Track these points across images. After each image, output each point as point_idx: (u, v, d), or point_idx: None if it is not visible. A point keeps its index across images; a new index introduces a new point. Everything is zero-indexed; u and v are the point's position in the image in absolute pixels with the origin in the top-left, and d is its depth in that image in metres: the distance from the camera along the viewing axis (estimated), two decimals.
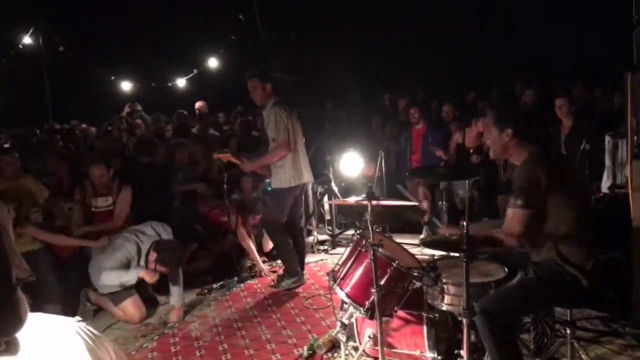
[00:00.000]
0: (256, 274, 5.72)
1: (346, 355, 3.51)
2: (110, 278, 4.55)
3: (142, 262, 4.65)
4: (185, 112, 8.94)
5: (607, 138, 5.04)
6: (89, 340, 1.60)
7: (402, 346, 3.41)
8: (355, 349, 3.54)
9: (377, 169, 6.63)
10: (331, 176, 6.66)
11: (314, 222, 6.86)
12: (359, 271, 3.24)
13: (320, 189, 6.81)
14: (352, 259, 3.29)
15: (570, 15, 10.72)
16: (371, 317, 3.13)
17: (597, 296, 2.83)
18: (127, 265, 4.62)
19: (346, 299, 3.26)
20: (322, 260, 6.13)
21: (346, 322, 3.45)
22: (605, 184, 4.97)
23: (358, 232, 3.45)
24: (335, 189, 6.64)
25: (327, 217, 6.90)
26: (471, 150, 6.50)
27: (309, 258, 5.99)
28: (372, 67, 11.87)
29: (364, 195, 3.16)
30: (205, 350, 4.18)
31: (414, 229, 6.35)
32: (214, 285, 5.44)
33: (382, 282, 3.06)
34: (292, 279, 5.16)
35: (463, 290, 2.71)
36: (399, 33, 11.45)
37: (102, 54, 11.83)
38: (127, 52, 11.83)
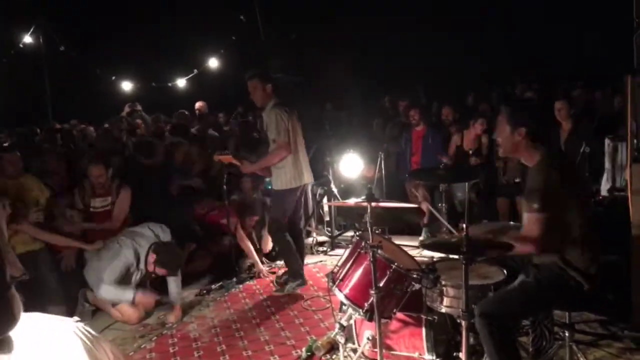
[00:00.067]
0: (255, 275, 5.72)
1: (345, 357, 3.50)
2: (108, 293, 4.48)
3: (141, 266, 4.64)
4: (186, 112, 8.94)
5: (606, 141, 5.04)
6: (86, 341, 1.60)
7: (401, 348, 3.40)
8: (354, 350, 3.53)
9: (377, 171, 6.63)
10: (331, 177, 6.66)
11: (313, 224, 6.85)
12: (358, 273, 3.23)
13: (319, 190, 6.81)
14: (352, 260, 3.28)
15: (570, 16, 10.74)
16: (370, 319, 3.12)
17: (596, 299, 2.81)
18: (126, 274, 4.59)
19: (345, 301, 3.26)
20: (321, 261, 6.13)
21: (345, 323, 3.45)
22: (604, 187, 4.97)
23: (357, 233, 3.45)
24: (335, 190, 6.64)
25: (327, 218, 6.90)
26: (470, 152, 6.50)
27: (308, 259, 5.99)
28: (373, 68, 11.89)
29: (363, 197, 3.15)
30: (203, 351, 4.17)
31: (414, 231, 6.35)
32: (213, 286, 5.44)
33: (381, 284, 3.06)
34: (296, 282, 5.15)
35: (462, 292, 2.70)
36: (399, 33, 11.49)
37: (103, 53, 11.83)
38: (128, 52, 11.83)
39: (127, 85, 12.05)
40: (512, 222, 4.35)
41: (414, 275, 3.11)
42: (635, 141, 3.86)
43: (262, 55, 10.30)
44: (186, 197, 6.03)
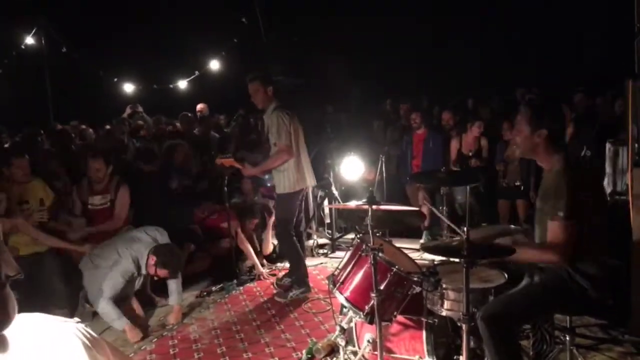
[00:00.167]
0: (255, 277, 5.72)
1: (345, 359, 3.50)
2: (103, 310, 4.41)
3: (142, 271, 4.63)
4: (189, 114, 8.96)
5: (607, 145, 5.04)
6: (87, 342, 1.60)
7: (401, 351, 3.40)
8: (354, 353, 3.53)
9: (378, 173, 6.63)
10: (332, 180, 6.66)
11: (314, 226, 6.87)
12: (359, 275, 3.24)
13: (320, 193, 6.82)
14: (352, 263, 3.29)
15: (571, 20, 10.75)
16: (370, 322, 3.13)
17: (598, 304, 2.80)
18: (127, 284, 4.57)
19: (346, 303, 3.26)
20: (321, 264, 6.13)
21: (345, 326, 3.46)
22: (605, 191, 4.97)
23: (358, 236, 3.45)
24: (336, 192, 6.65)
25: (327, 220, 6.91)
26: (470, 154, 6.52)
27: (309, 262, 5.98)
28: (374, 70, 11.89)
29: (364, 200, 3.15)
30: (203, 353, 4.17)
31: (414, 234, 6.36)
32: (213, 288, 5.45)
33: (382, 287, 3.06)
34: (301, 289, 5.11)
35: (463, 296, 2.70)
36: (401, 36, 11.50)
37: (104, 55, 11.84)
38: (129, 53, 11.84)
39: (128, 87, 12.06)
40: (512, 225, 4.36)
41: (415, 278, 3.12)
42: (636, 145, 3.86)
43: (263, 57, 10.29)
44: (186, 198, 6.04)
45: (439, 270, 3.21)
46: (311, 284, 5.28)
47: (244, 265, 5.92)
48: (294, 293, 5.09)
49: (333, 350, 3.77)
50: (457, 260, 2.87)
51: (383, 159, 6.57)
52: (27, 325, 1.53)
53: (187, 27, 12.04)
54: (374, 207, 3.11)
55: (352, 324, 3.52)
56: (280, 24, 10.27)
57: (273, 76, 5.99)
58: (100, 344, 1.68)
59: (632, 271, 3.70)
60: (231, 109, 10.40)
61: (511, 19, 11.41)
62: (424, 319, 3.28)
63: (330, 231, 6.76)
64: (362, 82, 10.96)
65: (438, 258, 3.75)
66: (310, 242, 6.61)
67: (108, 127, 9.19)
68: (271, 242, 6.19)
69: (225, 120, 10.28)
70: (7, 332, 1.46)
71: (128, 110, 10.00)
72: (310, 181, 5.24)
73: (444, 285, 3.06)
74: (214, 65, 11.83)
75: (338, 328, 3.46)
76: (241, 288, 5.50)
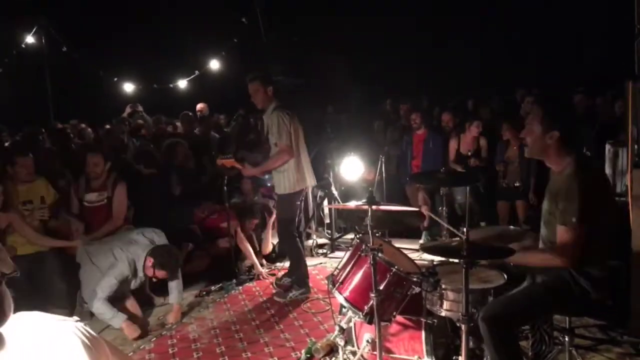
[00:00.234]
0: (255, 277, 5.72)
1: (344, 359, 3.50)
2: (99, 309, 4.40)
3: (139, 274, 4.62)
4: (190, 114, 8.96)
5: (607, 146, 5.04)
6: (86, 341, 1.59)
7: (400, 351, 3.40)
8: (353, 353, 3.53)
9: (378, 174, 6.64)
10: (331, 180, 6.66)
11: (313, 226, 6.86)
12: (358, 275, 3.24)
13: (320, 193, 6.82)
14: (352, 263, 3.29)
15: (571, 21, 10.76)
16: (370, 322, 3.13)
17: (598, 305, 2.80)
18: (121, 285, 4.56)
19: (345, 303, 3.26)
20: (321, 263, 6.13)
21: (344, 326, 3.46)
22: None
23: (358, 236, 3.45)
24: (335, 192, 6.65)
25: (327, 220, 6.91)
26: (469, 154, 6.52)
27: (308, 262, 5.96)
28: (374, 71, 11.89)
29: (364, 200, 3.16)
30: (202, 352, 4.17)
31: (413, 234, 6.36)
32: (213, 288, 5.45)
33: (381, 287, 3.06)
34: (301, 290, 5.10)
35: (462, 296, 2.70)
36: (401, 36, 11.50)
37: (104, 55, 11.84)
38: (129, 53, 11.83)
39: (128, 87, 12.06)
40: (511, 226, 4.36)
41: (414, 279, 3.12)
42: (635, 147, 3.86)
43: (263, 57, 10.30)
44: (186, 199, 6.04)
45: (438, 270, 3.22)
46: (311, 284, 5.28)
47: (243, 264, 5.92)
48: (293, 294, 5.08)
49: (332, 350, 3.76)
50: (456, 260, 2.88)
51: (383, 159, 6.57)
52: (25, 324, 1.53)
53: (187, 27, 12.04)
54: (374, 207, 3.11)
55: (351, 324, 3.52)
56: (280, 24, 10.27)
57: (273, 76, 5.98)
58: (99, 342, 1.67)
59: (631, 272, 3.70)
60: (231, 108, 10.41)
61: (511, 19, 11.41)
62: (423, 319, 3.29)
63: (329, 231, 6.77)
64: (362, 83, 10.96)
65: (437, 258, 3.75)
66: (310, 242, 6.62)
67: (108, 126, 9.20)
68: (271, 242, 6.20)
69: (225, 120, 10.28)
70: (4, 331, 1.46)
71: (128, 110, 9.99)
72: (311, 181, 5.23)
73: (443, 286, 3.06)
74: (214, 65, 11.82)
75: (337, 328, 3.46)
76: (240, 288, 5.50)
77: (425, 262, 4.48)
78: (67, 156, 6.33)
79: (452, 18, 11.89)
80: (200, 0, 12.00)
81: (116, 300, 4.55)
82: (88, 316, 4.79)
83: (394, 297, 3.17)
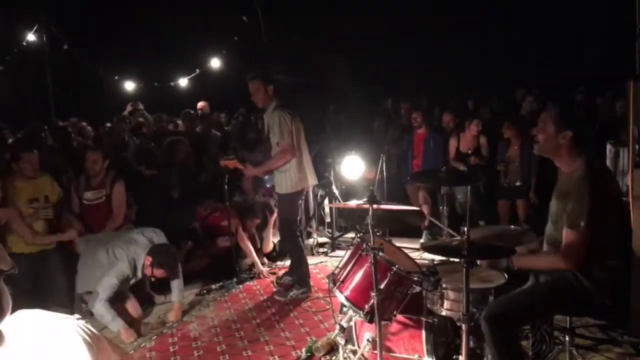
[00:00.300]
0: (255, 276, 5.73)
1: (344, 358, 3.51)
2: (98, 311, 4.39)
3: (138, 273, 4.62)
4: (192, 112, 8.96)
5: (608, 146, 5.04)
6: (87, 338, 1.60)
7: (401, 350, 3.40)
8: (354, 352, 3.54)
9: (378, 173, 6.64)
10: (332, 179, 6.66)
11: (314, 225, 6.87)
12: (359, 274, 3.24)
13: (320, 192, 6.82)
14: (353, 262, 3.29)
15: (571, 21, 10.76)
16: (370, 321, 3.13)
17: (599, 305, 2.80)
18: (121, 285, 4.56)
19: (346, 302, 3.26)
20: (321, 262, 6.13)
21: (345, 325, 3.46)
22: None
23: (358, 235, 3.45)
24: (336, 191, 6.65)
25: (328, 219, 6.91)
26: (469, 152, 6.52)
27: (309, 260, 5.97)
28: (374, 71, 11.90)
29: (365, 199, 3.16)
30: (203, 350, 4.18)
31: (414, 233, 6.36)
32: (213, 286, 5.45)
33: (382, 286, 3.06)
34: (301, 290, 5.09)
35: (463, 295, 2.71)
36: (401, 35, 11.51)
37: (105, 53, 11.84)
38: (130, 51, 11.84)
39: (129, 85, 12.06)
40: (512, 226, 4.36)
41: (415, 278, 3.12)
42: (636, 146, 3.86)
43: (264, 56, 10.30)
44: (187, 199, 6.04)
45: (439, 270, 3.22)
46: (311, 283, 5.27)
47: (244, 263, 5.92)
48: (294, 293, 5.08)
49: (332, 348, 3.77)
50: (457, 260, 2.88)
51: (383, 159, 6.57)
52: (27, 322, 1.53)
53: (188, 25, 12.04)
54: (375, 206, 3.11)
55: (352, 323, 3.52)
56: (280, 23, 10.28)
57: (273, 75, 5.98)
58: (100, 340, 1.68)
59: (632, 273, 3.70)
60: (232, 107, 10.43)
61: (511, 19, 11.42)
62: (423, 319, 3.29)
63: (330, 230, 6.77)
64: (362, 82, 10.98)
65: (438, 258, 3.75)
66: (311, 240, 6.62)
67: (109, 124, 9.20)
68: (272, 241, 6.20)
69: (225, 119, 10.29)
70: (4, 327, 1.46)
71: (129, 108, 10.00)
72: (312, 180, 5.22)
73: (443, 285, 3.07)
74: (215, 63, 11.83)
75: (338, 327, 3.47)
76: (241, 286, 5.50)
77: (426, 262, 4.49)
78: (68, 154, 6.33)
79: (452, 18, 11.90)
80: None
81: (116, 299, 4.55)
82: (88, 315, 4.79)
83: (395, 296, 3.17)
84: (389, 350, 3.42)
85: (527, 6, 11.11)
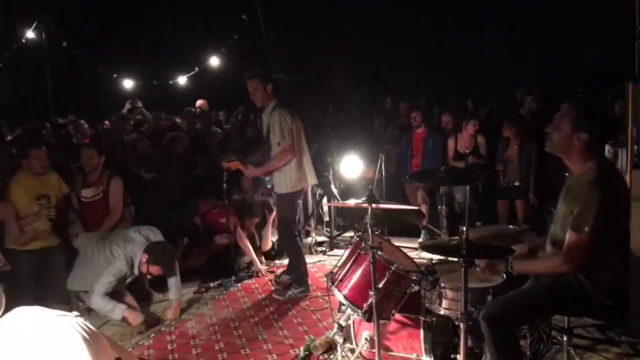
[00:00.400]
0: (254, 274, 5.73)
1: (342, 357, 3.50)
2: (97, 305, 4.40)
3: (135, 271, 4.62)
4: (193, 110, 8.95)
5: (607, 147, 5.04)
6: (86, 335, 1.60)
7: (399, 349, 3.41)
8: (352, 351, 3.54)
9: (377, 172, 6.64)
10: (331, 178, 6.66)
11: (312, 224, 6.87)
12: (358, 273, 3.24)
13: (319, 191, 6.82)
14: (351, 261, 3.29)
15: (571, 22, 10.76)
16: (368, 320, 3.13)
17: (599, 306, 2.79)
18: (118, 283, 4.57)
19: (344, 301, 3.26)
20: (320, 261, 6.14)
21: (343, 323, 3.46)
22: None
23: (357, 234, 3.45)
24: (335, 190, 6.65)
25: (326, 218, 6.91)
26: (467, 152, 6.53)
27: (307, 259, 5.98)
28: (374, 71, 11.90)
29: (364, 198, 3.16)
30: (201, 348, 4.18)
31: (412, 233, 6.36)
32: (212, 284, 5.45)
33: (380, 285, 3.06)
34: (300, 289, 5.09)
35: (461, 295, 2.71)
36: (400, 35, 11.52)
37: (104, 51, 11.84)
38: (129, 49, 11.84)
39: (128, 83, 12.05)
40: (510, 226, 4.37)
41: (413, 277, 3.13)
42: (635, 147, 3.86)
43: (264, 55, 10.31)
44: (187, 195, 6.03)
45: (437, 269, 3.22)
46: (309, 282, 5.27)
47: (242, 261, 5.92)
48: (292, 292, 5.08)
49: (331, 347, 3.76)
50: (455, 259, 2.88)
51: (383, 158, 6.57)
52: (26, 319, 1.53)
53: (187, 24, 12.04)
54: (373, 205, 3.11)
55: (350, 322, 3.52)
56: (280, 23, 10.28)
57: (273, 74, 5.96)
58: (99, 337, 1.68)
59: (631, 273, 3.70)
60: (231, 105, 10.42)
61: (511, 19, 11.42)
62: (422, 318, 3.29)
63: (329, 229, 6.77)
64: (362, 82, 10.98)
65: (436, 257, 3.75)
66: (309, 239, 6.62)
67: (107, 122, 9.19)
68: (270, 239, 6.20)
69: (224, 117, 10.29)
70: (2, 325, 1.46)
71: (127, 106, 9.98)
72: (311, 180, 5.21)
73: (442, 285, 3.07)
74: (214, 61, 11.83)
75: (336, 325, 3.47)
76: (239, 285, 5.50)
77: (424, 261, 4.49)
78: (68, 151, 6.32)
79: (452, 18, 11.90)
80: None
81: (113, 297, 4.54)
82: (86, 313, 4.80)
83: (393, 295, 3.17)
84: (387, 349, 3.42)
85: (527, 6, 11.11)
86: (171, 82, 12.36)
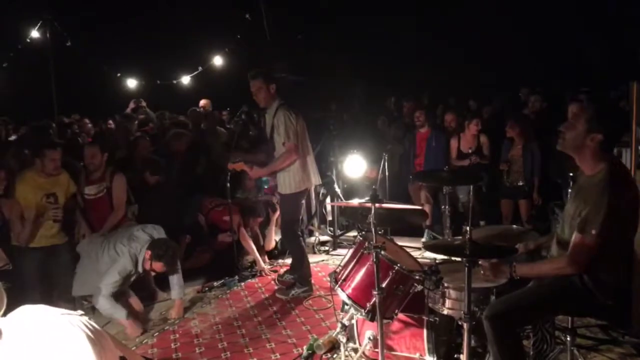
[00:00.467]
0: (257, 273, 5.73)
1: (346, 356, 3.51)
2: (103, 305, 4.40)
3: (139, 268, 4.63)
4: (198, 110, 8.96)
5: None
6: (90, 334, 1.60)
7: (402, 349, 3.41)
8: (355, 350, 3.54)
9: (380, 172, 6.64)
10: (334, 177, 6.66)
11: (315, 223, 6.87)
12: (361, 273, 3.25)
13: (323, 190, 6.82)
14: (355, 260, 3.30)
15: (572, 22, 10.75)
16: (372, 319, 3.14)
17: (602, 306, 2.78)
18: (123, 282, 4.58)
19: (347, 301, 3.27)
20: (323, 261, 6.14)
21: (346, 323, 3.47)
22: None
23: (361, 234, 3.45)
24: (338, 190, 6.65)
25: (329, 218, 6.91)
26: (470, 151, 6.52)
27: (310, 259, 5.98)
28: (376, 71, 11.90)
29: (367, 198, 3.16)
30: (205, 347, 4.19)
31: (415, 232, 6.36)
32: (215, 284, 5.46)
33: (383, 285, 3.07)
34: (303, 289, 5.09)
35: (464, 295, 2.71)
36: (404, 34, 11.52)
37: (108, 50, 11.86)
38: (133, 49, 11.86)
39: (131, 82, 12.07)
40: (514, 226, 4.36)
41: (417, 277, 3.13)
42: (639, 147, 3.85)
43: (268, 54, 10.30)
44: (190, 192, 6.03)
45: (441, 269, 3.23)
46: (313, 281, 5.27)
47: (245, 260, 5.93)
48: (296, 291, 5.08)
49: (334, 346, 3.78)
50: (459, 259, 2.88)
51: (386, 157, 6.57)
52: (30, 317, 1.54)
53: (191, 24, 12.05)
54: (377, 205, 3.11)
55: (354, 321, 3.53)
56: (284, 22, 10.27)
57: (276, 73, 5.95)
58: (103, 336, 1.68)
59: (633, 273, 3.69)
60: (235, 105, 10.42)
61: (512, 19, 11.41)
62: (425, 317, 3.30)
63: (332, 228, 6.77)
64: (365, 82, 10.98)
65: (440, 257, 3.75)
66: (312, 239, 6.62)
67: (110, 121, 9.21)
68: (274, 238, 6.20)
69: (228, 116, 10.29)
70: (7, 322, 1.47)
71: (132, 105, 9.99)
72: (315, 180, 5.20)
73: (445, 284, 3.07)
74: (218, 61, 11.84)
75: (339, 325, 3.47)
76: (242, 284, 5.51)
77: (428, 261, 4.49)
78: (74, 150, 6.33)
79: (452, 18, 11.90)
80: None
81: (117, 296, 4.56)
82: (90, 312, 4.80)
83: (396, 295, 3.18)
84: (391, 348, 3.43)
85: (528, 6, 11.10)
86: (175, 81, 12.37)
